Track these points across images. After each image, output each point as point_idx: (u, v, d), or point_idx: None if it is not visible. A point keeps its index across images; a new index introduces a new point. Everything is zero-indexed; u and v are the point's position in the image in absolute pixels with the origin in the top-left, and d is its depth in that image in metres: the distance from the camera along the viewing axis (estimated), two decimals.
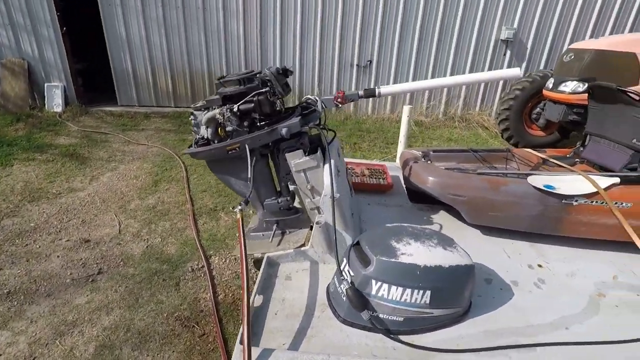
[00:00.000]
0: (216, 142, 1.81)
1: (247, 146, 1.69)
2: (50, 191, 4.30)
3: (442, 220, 2.27)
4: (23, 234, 3.50)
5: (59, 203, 4.07)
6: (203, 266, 3.12)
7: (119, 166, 5.05)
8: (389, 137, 6.72)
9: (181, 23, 6.88)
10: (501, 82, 7.53)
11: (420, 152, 2.55)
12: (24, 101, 7.00)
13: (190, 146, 1.85)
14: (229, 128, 1.72)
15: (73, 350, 2.35)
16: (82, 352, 2.34)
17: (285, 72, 1.81)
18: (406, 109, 3.23)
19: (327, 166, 1.73)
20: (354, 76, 7.43)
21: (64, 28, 6.75)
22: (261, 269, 1.69)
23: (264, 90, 1.67)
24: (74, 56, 7.16)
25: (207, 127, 1.76)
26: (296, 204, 2.11)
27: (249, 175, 1.68)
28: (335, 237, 1.57)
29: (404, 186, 2.53)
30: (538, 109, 6.02)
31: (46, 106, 7.03)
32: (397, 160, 3.35)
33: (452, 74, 7.44)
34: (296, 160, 1.74)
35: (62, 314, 2.61)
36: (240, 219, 1.67)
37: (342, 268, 1.48)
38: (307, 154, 1.75)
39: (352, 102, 2.12)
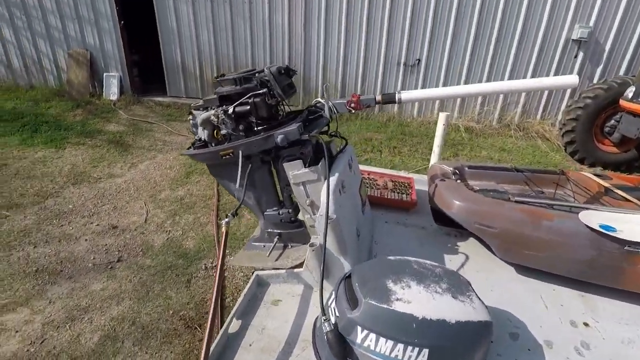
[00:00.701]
0: (213, 144, 1.70)
1: (240, 152, 1.56)
2: (92, 175, 4.53)
3: (468, 250, 1.97)
4: (60, 215, 3.70)
5: (97, 187, 4.26)
6: (216, 265, 3.07)
7: (157, 155, 5.21)
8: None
9: (228, 17, 6.97)
10: (569, 89, 6.76)
11: (452, 168, 2.22)
12: (85, 89, 7.52)
13: (190, 147, 1.76)
14: (223, 131, 1.60)
15: (79, 337, 2.39)
16: (87, 340, 2.38)
17: (287, 72, 1.64)
18: (442, 116, 2.90)
19: (329, 181, 1.55)
20: (400, 75, 7.07)
21: (122, 21, 7.13)
22: (246, 288, 1.56)
23: (261, 91, 1.53)
24: (130, 48, 7.55)
25: (203, 129, 1.66)
26: (301, 216, 1.95)
27: (238, 183, 1.56)
28: (323, 266, 1.35)
29: (430, 205, 2.26)
30: (613, 121, 5.25)
31: (103, 94, 7.49)
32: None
33: (510, 78, 6.81)
34: (294, 171, 1.57)
35: (77, 299, 2.69)
36: (225, 233, 1.55)
37: (327, 303, 1.29)
38: (307, 164, 1.58)
39: (369, 107, 1.88)
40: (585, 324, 1.47)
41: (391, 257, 1.40)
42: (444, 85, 7.02)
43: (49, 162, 4.78)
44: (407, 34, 6.71)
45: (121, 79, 7.55)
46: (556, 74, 6.68)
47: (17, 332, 2.41)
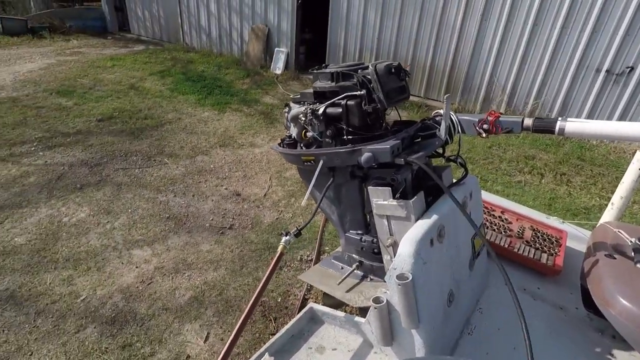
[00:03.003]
0: (302, 145, 1.49)
1: (321, 161, 1.29)
2: (237, 141, 4.99)
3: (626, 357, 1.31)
4: (202, 172, 4.18)
5: (238, 153, 4.67)
6: (311, 260, 2.96)
7: None
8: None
9: (398, 6, 6.60)
10: None
11: (635, 239, 1.47)
12: (258, 61, 8.37)
13: (280, 143, 1.59)
14: (310, 133, 1.36)
15: (175, 291, 2.62)
16: (181, 295, 2.59)
17: (398, 72, 1.26)
18: (639, 155, 1.98)
19: (417, 225, 1.16)
20: (595, 86, 5.51)
21: (299, 1, 7.53)
22: (293, 320, 1.33)
23: (358, 93, 1.21)
24: (302, 27, 7.99)
25: (294, 125, 1.45)
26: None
27: (307, 195, 1.31)
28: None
29: (580, 282, 1.57)
30: None
31: (271, 68, 8.20)
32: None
33: None
34: (379, 200, 1.23)
35: (187, 253, 2.97)
36: (279, 254, 1.34)
37: None
38: (398, 195, 1.21)
39: (509, 133, 1.34)
40: None
41: None
42: None
43: (209, 122, 5.48)
44: (623, 31, 5.11)
45: (288, 54, 8.11)
46: None
47: (137, 267, 2.80)
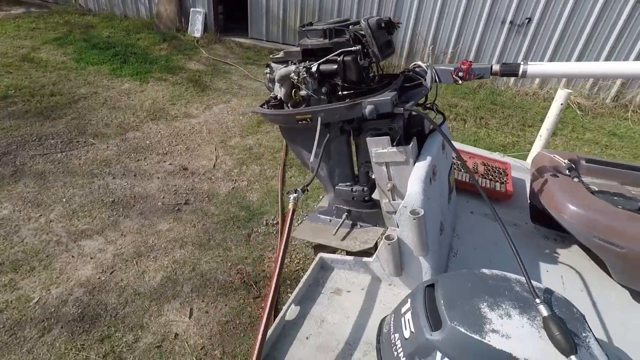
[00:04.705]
0: (289, 105, 1.47)
1: (319, 119, 1.31)
2: (169, 113, 4.63)
3: (571, 261, 1.61)
4: (138, 150, 3.85)
5: (173, 126, 4.36)
6: (277, 223, 3.00)
7: (232, 99, 5.18)
8: (528, 117, 5.52)
9: None
10: None
11: (566, 160, 1.79)
12: (172, 23, 7.62)
13: (264, 104, 1.55)
14: (303, 92, 1.35)
15: (144, 274, 2.49)
16: (151, 278, 2.47)
17: (388, 27, 1.31)
18: (562, 93, 2.33)
19: (417, 167, 1.26)
20: (502, 37, 6.11)
21: None
22: (308, 271, 1.39)
23: (353, 48, 1.23)
24: None
25: (280, 86, 1.43)
26: (376, 195, 1.69)
27: (314, 153, 1.33)
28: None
29: (529, 200, 1.86)
30: None
31: (188, 30, 7.55)
32: (529, 159, 2.58)
33: None
34: (379, 149, 1.30)
35: (145, 235, 2.80)
36: (292, 211, 1.36)
37: (402, 311, 1.07)
38: (395, 142, 1.29)
39: (481, 79, 1.50)
40: None
41: (487, 271, 1.12)
42: (554, 53, 5.97)
43: (133, 94, 4.97)
44: None
45: (206, 15, 7.51)
46: None
47: (91, 258, 2.57)
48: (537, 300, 0.94)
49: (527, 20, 5.91)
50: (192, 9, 7.54)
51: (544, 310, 0.91)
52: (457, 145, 2.53)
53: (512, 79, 6.44)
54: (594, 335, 0.93)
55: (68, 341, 2.05)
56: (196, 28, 7.55)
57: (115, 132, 4.09)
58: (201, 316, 2.27)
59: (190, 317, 2.25)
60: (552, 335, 0.87)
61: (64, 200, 3.04)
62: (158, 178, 3.44)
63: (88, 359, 1.98)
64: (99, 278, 2.43)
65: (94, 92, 4.87)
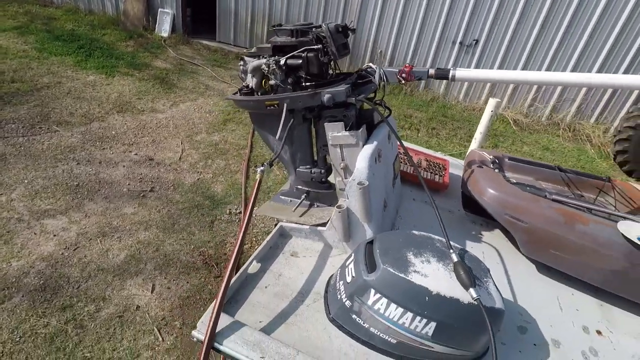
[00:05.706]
0: (259, 93, 1.71)
1: (285, 105, 1.56)
2: (136, 107, 4.69)
3: (492, 241, 1.94)
4: (103, 139, 3.89)
5: (139, 119, 4.43)
6: (240, 212, 3.18)
7: (198, 98, 5.31)
8: (474, 130, 6.07)
9: None
10: (636, 92, 6.21)
11: (492, 156, 2.15)
12: (139, 22, 7.63)
13: (236, 92, 1.78)
14: (272, 82, 1.60)
15: (108, 252, 2.59)
16: (115, 256, 2.57)
17: (345, 31, 1.60)
18: (492, 102, 2.76)
19: (365, 148, 1.54)
20: (453, 55, 6.72)
21: None
22: (269, 236, 1.61)
23: (315, 47, 1.50)
24: None
25: (252, 76, 1.66)
26: (331, 178, 1.96)
27: (278, 135, 1.57)
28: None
29: (461, 190, 2.21)
30: None
31: (155, 30, 7.58)
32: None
33: (575, 70, 6.31)
34: (334, 132, 1.57)
35: (110, 218, 2.88)
36: (258, 181, 1.59)
37: (345, 264, 1.33)
38: (348, 128, 1.56)
39: (420, 80, 1.80)
40: (598, 332, 1.43)
41: (416, 232, 1.40)
42: (500, 68, 6.63)
43: (98, 87, 4.98)
44: (470, 11, 6.31)
45: (174, 17, 7.59)
46: (627, 71, 6.11)
47: (55, 236, 2.63)
48: (451, 251, 1.22)
49: (474, 41, 6.55)
50: (160, 9, 7.60)
51: (454, 258, 1.18)
52: (406, 143, 2.88)
53: (462, 94, 7.06)
54: (494, 282, 1.22)
55: (29, 308, 2.12)
56: (164, 28, 7.60)
57: (80, 122, 4.10)
58: (163, 291, 2.40)
59: (152, 292, 2.37)
60: (459, 275, 1.14)
61: (26, 181, 3.06)
62: (124, 166, 3.51)
63: (49, 325, 2.06)
64: (62, 254, 2.49)
65: (57, 82, 4.83)
